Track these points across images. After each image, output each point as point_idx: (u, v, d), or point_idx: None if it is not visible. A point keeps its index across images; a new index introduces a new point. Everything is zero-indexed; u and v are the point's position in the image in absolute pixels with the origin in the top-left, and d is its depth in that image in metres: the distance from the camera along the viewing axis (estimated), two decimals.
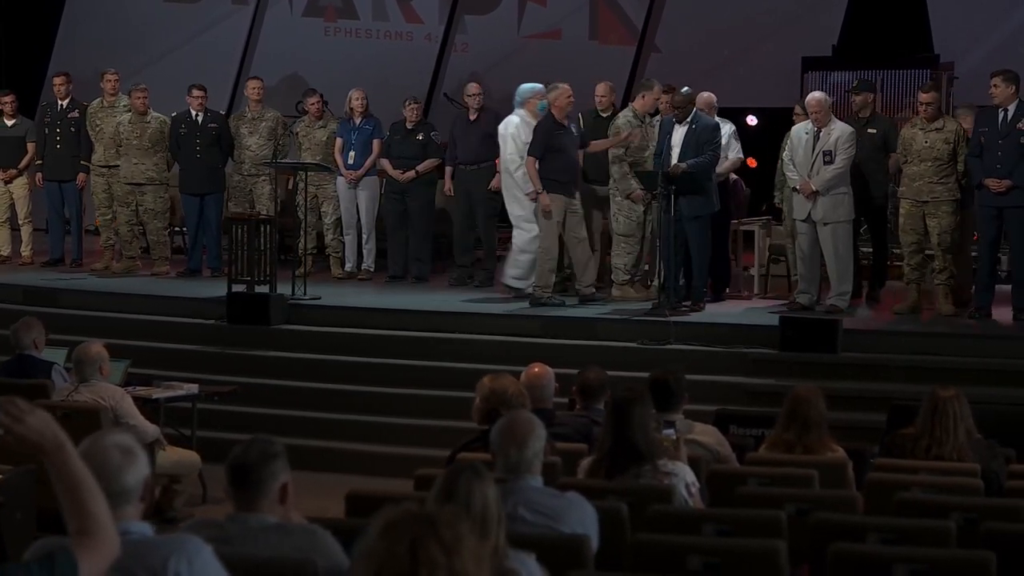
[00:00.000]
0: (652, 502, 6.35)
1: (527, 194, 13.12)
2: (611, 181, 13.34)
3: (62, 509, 3.78)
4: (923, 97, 12.63)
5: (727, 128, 13.54)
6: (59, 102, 15.76)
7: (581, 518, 5.67)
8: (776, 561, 5.42)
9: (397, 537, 3.24)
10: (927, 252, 12.76)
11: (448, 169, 14.54)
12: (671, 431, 7.26)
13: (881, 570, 5.35)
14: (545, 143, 12.76)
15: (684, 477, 6.75)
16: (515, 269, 13.32)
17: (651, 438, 6.77)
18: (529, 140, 13.00)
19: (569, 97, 12.95)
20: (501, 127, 13.56)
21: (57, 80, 15.93)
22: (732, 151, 13.52)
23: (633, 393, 6.87)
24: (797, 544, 6.09)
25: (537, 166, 12.76)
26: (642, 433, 6.72)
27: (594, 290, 13.09)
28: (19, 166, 15.86)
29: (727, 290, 13.73)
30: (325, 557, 4.94)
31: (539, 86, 13.44)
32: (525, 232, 13.21)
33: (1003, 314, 12.39)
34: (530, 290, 13.01)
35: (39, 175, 15.77)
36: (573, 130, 13.01)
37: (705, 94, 13.52)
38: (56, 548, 3.72)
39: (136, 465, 4.33)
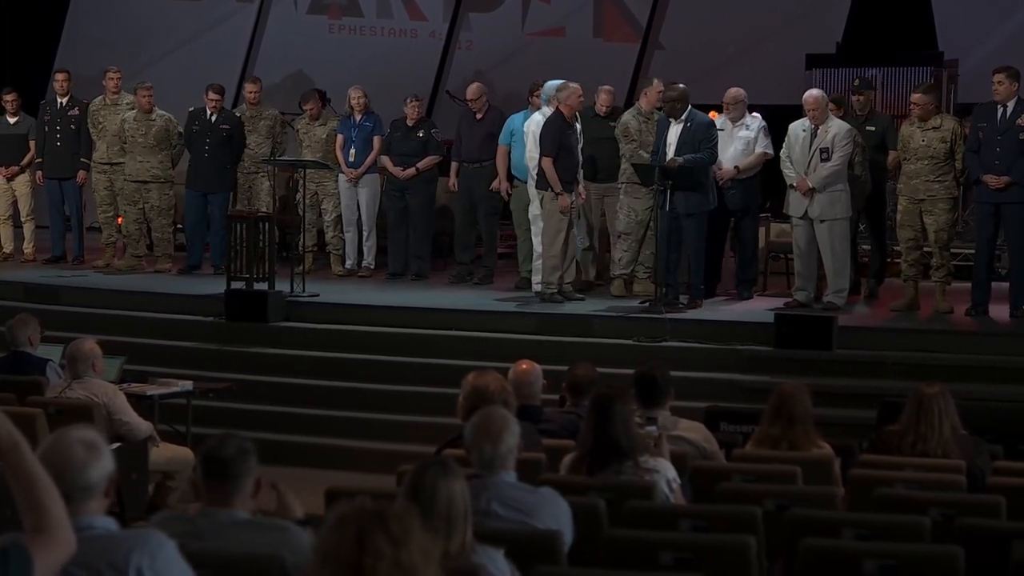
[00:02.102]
0: (632, 498, 6.37)
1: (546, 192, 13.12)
2: (620, 177, 13.39)
3: (18, 506, 3.81)
4: (912, 97, 12.58)
5: (756, 123, 13.39)
6: (59, 99, 15.78)
7: (555, 513, 5.69)
8: (746, 556, 5.44)
9: (346, 529, 3.31)
10: (925, 249, 12.76)
11: (454, 165, 14.55)
12: (653, 428, 7.28)
13: (851, 565, 5.37)
14: (558, 141, 12.77)
15: (665, 473, 6.75)
16: (538, 275, 13.21)
17: (632, 434, 6.78)
18: None
19: (580, 97, 12.94)
20: (525, 124, 13.48)
21: (58, 77, 15.94)
22: (760, 146, 13.38)
23: (614, 390, 6.88)
24: (776, 540, 6.12)
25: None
26: (623, 429, 6.72)
27: (571, 288, 13.06)
28: (21, 163, 15.91)
29: (753, 288, 13.68)
30: (294, 552, 4.96)
31: (564, 83, 13.36)
32: (539, 235, 13.19)
33: (1000, 311, 12.38)
34: (563, 288, 13.04)
35: (40, 173, 15.81)
36: (577, 127, 13.02)
37: (734, 90, 13.45)
38: (10, 544, 3.74)
39: (100, 461, 4.36)
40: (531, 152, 13.23)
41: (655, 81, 13.65)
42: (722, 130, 13.16)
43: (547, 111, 13.23)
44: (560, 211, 12.71)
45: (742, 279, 13.59)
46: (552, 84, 13.34)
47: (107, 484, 4.36)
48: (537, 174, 12.90)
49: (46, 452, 4.29)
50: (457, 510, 4.76)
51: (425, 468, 4.88)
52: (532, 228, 13.38)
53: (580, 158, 12.97)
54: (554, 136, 12.71)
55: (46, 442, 4.36)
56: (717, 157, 12.97)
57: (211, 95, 15.10)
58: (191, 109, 15.27)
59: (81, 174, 15.58)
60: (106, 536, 4.32)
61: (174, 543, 4.38)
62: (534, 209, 13.28)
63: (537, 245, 13.25)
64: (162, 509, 9.62)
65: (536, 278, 13.19)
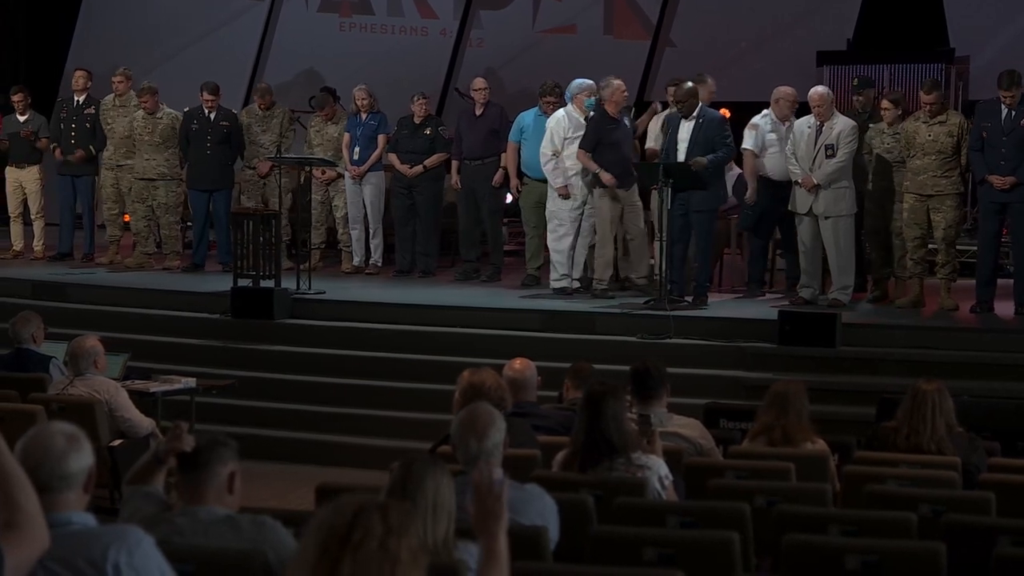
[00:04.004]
0: (623, 495, 6.37)
1: (556, 188, 13.19)
2: None
3: None
4: (925, 98, 12.48)
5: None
6: (75, 97, 15.84)
7: (540, 510, 5.70)
8: (730, 552, 5.44)
9: (346, 505, 3.37)
10: (930, 246, 12.73)
11: (455, 163, 14.56)
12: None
13: (833, 561, 5.38)
14: (597, 137, 12.81)
15: (657, 470, 6.76)
16: (552, 272, 13.34)
17: (624, 431, 6.78)
18: (568, 135, 13.11)
19: (624, 92, 13.04)
20: (547, 121, 13.49)
21: (76, 74, 16.00)
22: None
23: (606, 387, 6.89)
24: (766, 536, 6.12)
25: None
26: (616, 426, 6.73)
27: (647, 281, 13.07)
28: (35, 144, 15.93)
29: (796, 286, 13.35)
30: (274, 548, 4.98)
31: (589, 82, 13.34)
32: (553, 231, 13.28)
33: (1006, 308, 12.34)
34: (575, 286, 13.09)
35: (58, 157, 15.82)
36: (627, 123, 13.04)
37: (789, 89, 13.31)
38: None
39: (81, 452, 4.38)
40: (544, 148, 13.25)
41: (709, 80, 13.54)
42: (773, 133, 13.10)
43: (568, 109, 13.26)
44: (604, 184, 12.78)
45: (792, 276, 13.35)
46: (577, 83, 13.37)
47: (86, 478, 4.38)
48: (586, 175, 12.98)
49: (27, 442, 4.33)
50: (441, 505, 4.78)
51: (412, 462, 4.89)
52: (548, 224, 13.37)
53: (629, 154, 13.02)
54: (592, 131, 12.85)
55: (28, 434, 4.39)
56: (735, 152, 12.98)
57: (206, 95, 15.13)
58: (186, 109, 15.30)
59: (80, 153, 15.56)
60: (84, 532, 4.33)
61: (152, 539, 4.39)
62: (551, 205, 13.30)
63: (552, 241, 13.30)
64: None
65: (554, 274, 13.22)
